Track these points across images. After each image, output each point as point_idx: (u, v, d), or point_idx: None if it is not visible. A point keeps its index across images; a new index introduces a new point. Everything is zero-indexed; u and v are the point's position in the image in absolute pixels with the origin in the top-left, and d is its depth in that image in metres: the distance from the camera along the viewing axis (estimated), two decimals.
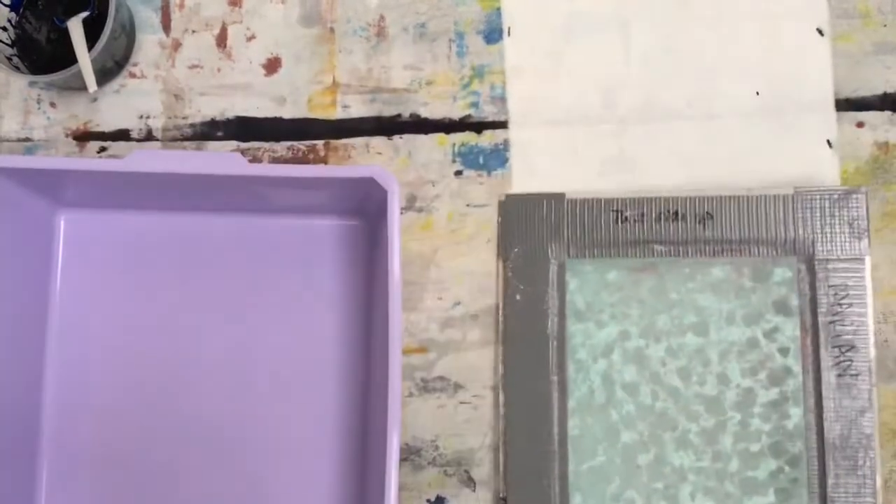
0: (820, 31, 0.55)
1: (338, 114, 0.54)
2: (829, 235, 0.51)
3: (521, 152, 0.54)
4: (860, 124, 0.54)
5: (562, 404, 0.51)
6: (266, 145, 0.54)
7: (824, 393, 0.49)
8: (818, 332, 0.50)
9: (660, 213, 0.51)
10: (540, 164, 0.54)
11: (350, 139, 0.54)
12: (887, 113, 0.54)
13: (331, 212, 0.52)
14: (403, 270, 0.48)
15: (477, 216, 0.54)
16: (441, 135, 0.54)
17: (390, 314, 0.43)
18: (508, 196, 0.53)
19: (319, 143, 0.54)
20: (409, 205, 0.54)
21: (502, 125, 0.54)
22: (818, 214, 0.51)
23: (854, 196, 0.51)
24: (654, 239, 0.51)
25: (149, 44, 0.55)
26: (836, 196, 0.51)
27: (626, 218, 0.51)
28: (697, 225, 0.51)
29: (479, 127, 0.54)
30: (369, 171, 0.45)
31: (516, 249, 0.52)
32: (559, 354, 0.51)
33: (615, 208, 0.51)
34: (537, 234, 0.52)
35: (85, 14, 0.50)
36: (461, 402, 0.52)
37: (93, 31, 0.49)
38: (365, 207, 0.50)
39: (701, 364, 0.51)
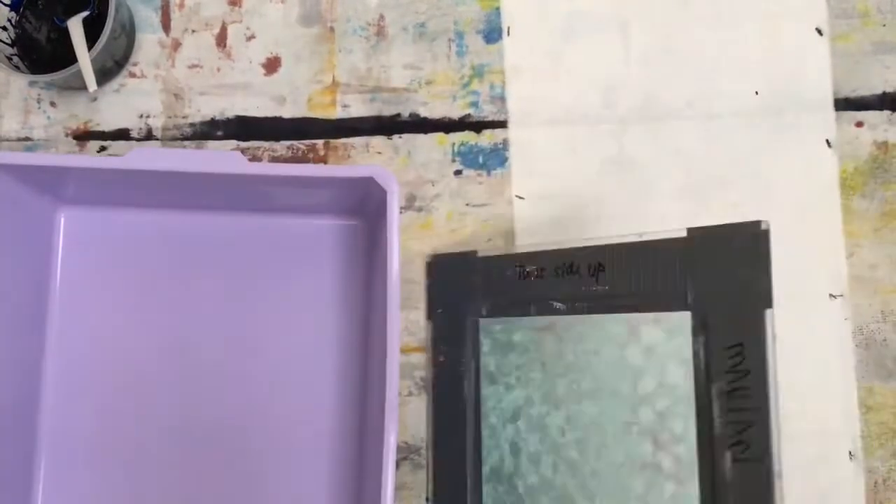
0: (819, 31, 0.55)
1: (337, 113, 0.54)
2: (724, 284, 0.39)
3: (521, 152, 0.54)
4: (859, 124, 0.54)
5: (476, 470, 0.49)
6: (266, 145, 0.54)
7: (717, 480, 0.39)
8: (711, 405, 0.39)
9: (556, 267, 0.45)
10: (539, 164, 0.54)
11: (350, 139, 0.54)
12: (886, 112, 0.54)
13: (330, 211, 0.52)
14: (403, 269, 0.48)
15: (476, 216, 0.54)
16: (441, 134, 0.54)
17: (388, 313, 0.43)
18: (434, 256, 0.53)
19: (319, 142, 0.54)
20: (409, 204, 0.54)
21: (502, 125, 0.54)
22: (713, 259, 0.40)
23: (754, 234, 0.38)
24: (552, 295, 0.46)
25: (149, 43, 0.55)
26: (732, 236, 0.39)
27: (526, 273, 0.47)
28: (590, 278, 0.44)
29: (478, 126, 0.54)
30: (369, 171, 0.45)
31: (439, 310, 0.51)
32: (475, 418, 0.49)
33: (518, 263, 0.47)
34: (456, 294, 0.51)
35: (85, 14, 0.50)
36: None
37: (93, 31, 0.49)
38: (364, 207, 0.50)
39: (597, 435, 0.44)
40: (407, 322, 0.53)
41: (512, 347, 0.48)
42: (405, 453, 0.52)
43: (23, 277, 0.49)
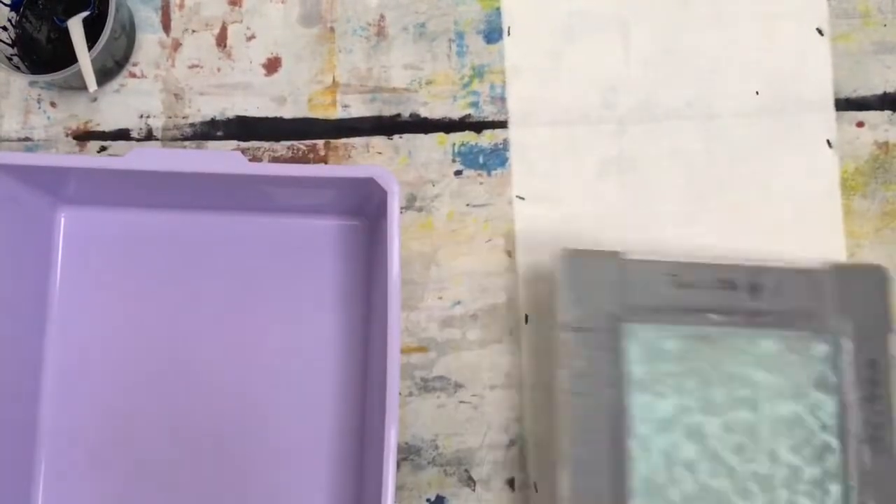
0: (820, 31, 0.55)
1: (338, 113, 0.54)
2: (861, 311, 0.49)
3: (521, 152, 0.54)
4: (860, 124, 0.54)
5: (619, 482, 0.47)
6: (266, 145, 0.54)
7: (860, 469, 0.48)
8: (853, 409, 0.49)
9: (715, 281, 0.49)
10: (540, 164, 0.54)
11: (350, 139, 0.54)
12: (887, 112, 0.54)
13: (331, 211, 0.52)
14: (404, 270, 0.48)
15: (477, 216, 0.54)
16: (441, 134, 0.54)
17: (389, 313, 0.43)
18: (569, 252, 0.49)
19: (319, 142, 0.54)
20: (409, 204, 0.54)
21: (502, 125, 0.54)
22: (855, 289, 0.50)
23: (882, 277, 0.50)
24: (710, 307, 0.49)
25: (149, 43, 0.55)
26: (865, 275, 0.50)
27: (682, 283, 0.49)
28: (747, 294, 0.49)
29: (478, 126, 0.54)
30: (369, 171, 0.45)
31: (576, 311, 0.48)
32: (618, 428, 0.47)
33: (672, 272, 0.49)
34: (595, 296, 0.48)
35: (85, 14, 0.50)
36: (461, 402, 0.52)
37: (93, 31, 0.49)
38: (365, 207, 0.50)
39: (753, 441, 0.49)
40: (407, 322, 0.53)
41: (664, 355, 0.48)
42: (405, 453, 0.52)
43: (23, 277, 0.49)
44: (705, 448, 0.49)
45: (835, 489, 0.49)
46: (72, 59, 0.49)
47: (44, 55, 0.52)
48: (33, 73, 0.51)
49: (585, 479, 0.47)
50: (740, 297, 0.49)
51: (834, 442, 0.49)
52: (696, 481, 0.48)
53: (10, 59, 0.50)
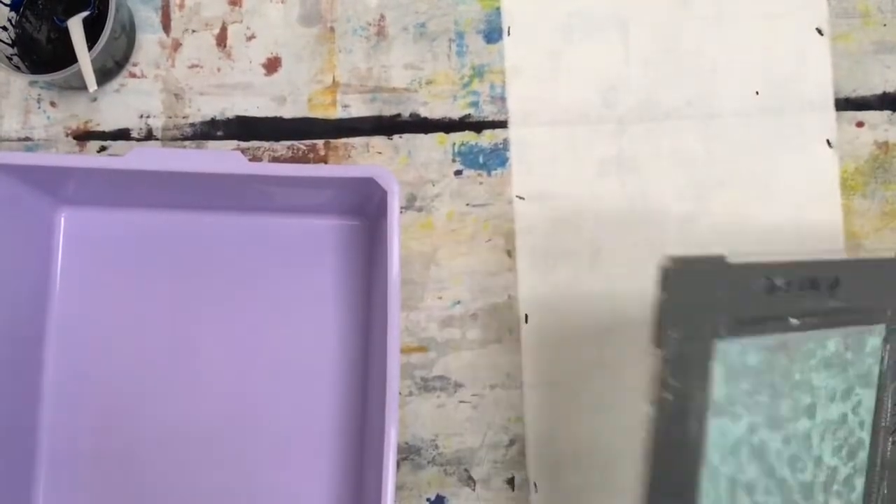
0: (819, 31, 0.55)
1: (338, 113, 0.54)
2: None
3: (521, 152, 0.54)
4: (860, 124, 0.54)
5: None
6: (266, 145, 0.54)
7: (882, 461, 0.45)
8: (887, 401, 0.45)
9: (802, 281, 0.42)
10: (540, 164, 0.54)
11: (350, 139, 0.54)
12: (887, 112, 0.54)
13: (331, 211, 0.52)
14: (404, 270, 0.48)
15: (477, 216, 0.54)
16: (441, 134, 0.54)
17: (389, 313, 0.43)
18: (673, 261, 0.39)
19: (319, 142, 0.54)
20: (409, 204, 0.54)
21: (502, 125, 0.54)
22: None
23: None
24: (792, 311, 0.42)
25: (149, 43, 0.55)
26: None
27: (775, 287, 0.41)
28: (826, 292, 0.43)
29: (478, 126, 0.54)
30: (369, 171, 0.45)
31: (674, 333, 0.39)
32: (695, 460, 0.41)
33: (767, 275, 0.41)
34: (695, 312, 0.40)
35: (85, 14, 0.50)
36: (461, 402, 0.52)
37: (93, 31, 0.49)
38: (365, 207, 0.50)
39: (806, 450, 0.44)
40: (407, 322, 0.53)
41: (745, 372, 0.42)
42: (405, 453, 0.52)
43: (23, 277, 0.49)
44: (765, 465, 0.43)
45: (859, 483, 0.45)
46: (72, 59, 0.49)
47: (44, 55, 0.52)
48: (33, 73, 0.51)
49: None
50: (822, 296, 0.43)
51: (866, 438, 0.45)
52: (752, 502, 0.43)
53: (9, 59, 0.50)
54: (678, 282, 0.39)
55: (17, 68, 0.50)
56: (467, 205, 0.54)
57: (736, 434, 0.42)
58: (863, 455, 0.46)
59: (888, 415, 0.46)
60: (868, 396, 0.46)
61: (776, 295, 0.41)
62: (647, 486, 0.39)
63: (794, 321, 0.42)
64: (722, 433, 0.42)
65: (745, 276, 0.41)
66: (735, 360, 0.41)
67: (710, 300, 0.40)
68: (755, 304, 0.41)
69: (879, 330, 0.45)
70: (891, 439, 0.46)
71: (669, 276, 0.39)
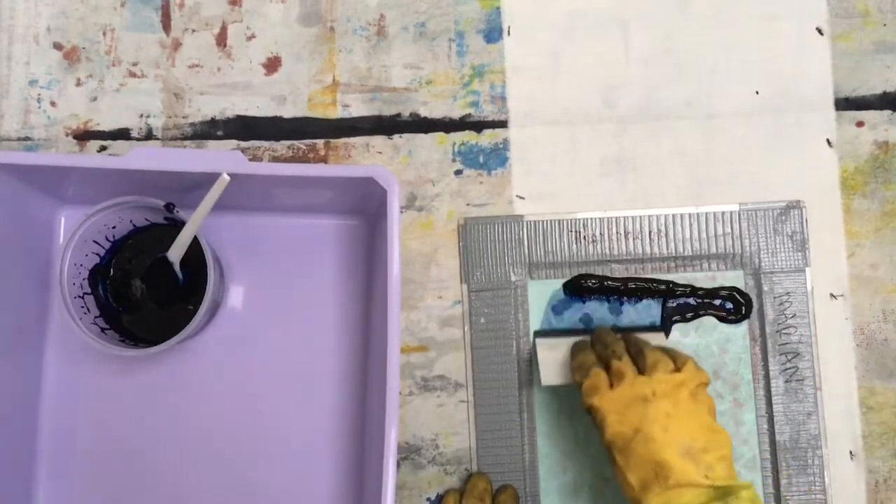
0: (819, 31, 0.55)
1: (338, 113, 0.54)
2: (771, 249, 0.53)
3: (521, 151, 0.54)
4: (860, 123, 0.54)
5: (531, 424, 0.52)
6: (266, 144, 0.54)
7: (774, 399, 0.52)
8: (766, 341, 0.52)
9: (614, 232, 0.53)
10: (540, 164, 0.54)
11: (350, 138, 0.54)
12: (887, 112, 0.54)
13: (331, 211, 0.52)
14: (404, 269, 0.48)
15: (477, 215, 0.54)
16: (441, 134, 0.54)
17: (389, 312, 0.43)
18: (468, 219, 0.53)
19: (319, 142, 0.54)
20: (409, 204, 0.54)
21: (502, 124, 0.54)
22: (762, 229, 0.53)
23: (794, 211, 0.53)
24: (612, 257, 0.53)
25: (149, 43, 0.55)
26: (777, 211, 0.53)
27: (584, 237, 0.53)
28: (650, 242, 0.53)
29: (478, 126, 0.54)
30: (369, 171, 0.45)
31: (478, 273, 0.53)
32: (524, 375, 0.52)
33: (573, 228, 0.53)
34: (497, 257, 0.53)
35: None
36: (461, 401, 0.52)
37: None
38: (365, 206, 0.50)
39: None
40: (407, 322, 0.53)
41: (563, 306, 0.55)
42: (406, 453, 0.52)
43: (23, 277, 0.49)
44: None
45: (748, 418, 0.52)
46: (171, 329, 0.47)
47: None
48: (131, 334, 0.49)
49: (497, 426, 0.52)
50: (643, 244, 0.53)
51: (746, 373, 0.52)
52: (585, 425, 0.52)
53: (103, 331, 0.48)
54: (474, 234, 0.53)
55: (103, 333, 0.48)
56: (467, 204, 0.54)
57: None
58: (745, 390, 0.52)
59: (776, 355, 0.53)
60: (739, 335, 0.53)
61: (586, 243, 0.53)
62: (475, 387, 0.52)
63: (616, 265, 0.53)
64: None
65: (547, 229, 0.53)
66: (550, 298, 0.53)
67: (508, 248, 0.53)
68: (564, 250, 0.53)
69: (737, 274, 0.53)
70: (783, 378, 0.52)
71: (465, 230, 0.53)
